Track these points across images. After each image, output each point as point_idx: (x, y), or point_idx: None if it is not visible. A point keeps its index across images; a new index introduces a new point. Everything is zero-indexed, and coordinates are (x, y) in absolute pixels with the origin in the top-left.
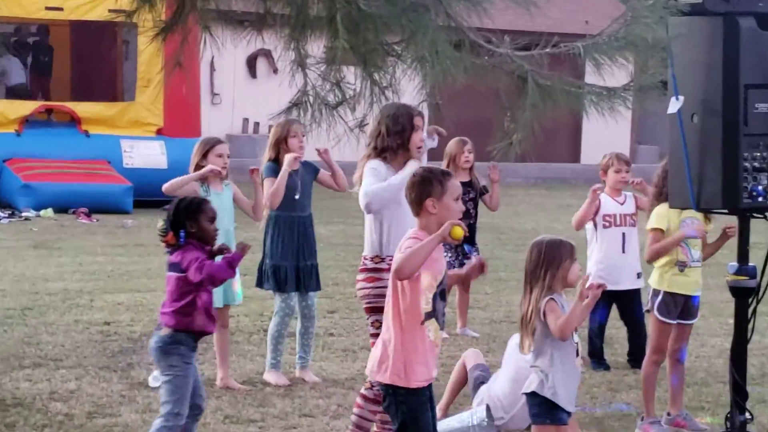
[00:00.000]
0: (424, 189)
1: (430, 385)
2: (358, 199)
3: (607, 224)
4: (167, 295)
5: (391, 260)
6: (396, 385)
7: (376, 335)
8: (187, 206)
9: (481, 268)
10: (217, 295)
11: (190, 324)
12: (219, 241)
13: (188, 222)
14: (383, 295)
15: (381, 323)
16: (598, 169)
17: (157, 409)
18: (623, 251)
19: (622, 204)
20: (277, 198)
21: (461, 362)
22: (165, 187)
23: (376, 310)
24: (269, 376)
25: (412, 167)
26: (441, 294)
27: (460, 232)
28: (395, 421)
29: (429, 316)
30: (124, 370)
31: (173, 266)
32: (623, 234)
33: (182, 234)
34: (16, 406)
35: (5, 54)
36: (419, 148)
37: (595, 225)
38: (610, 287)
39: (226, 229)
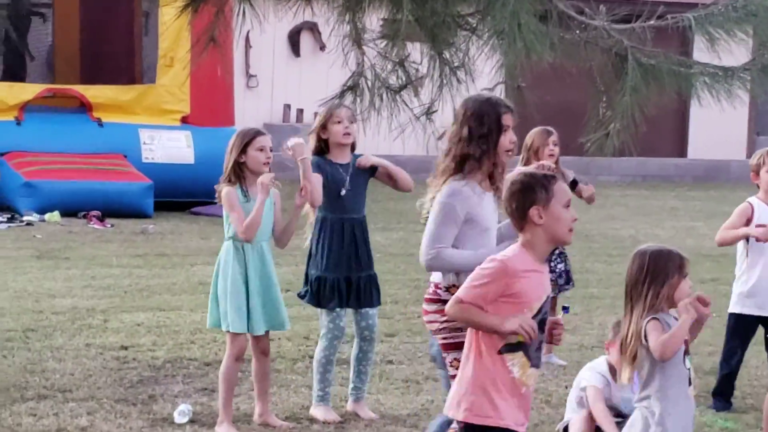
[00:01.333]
0: (526, 197)
1: None
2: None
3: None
4: None
5: None
6: (474, 424)
7: (455, 377)
8: None
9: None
10: (257, 319)
11: None
12: (253, 260)
13: None
14: (460, 329)
15: (456, 364)
16: (750, 171)
17: None
18: None
19: None
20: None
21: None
22: (247, 235)
23: (455, 347)
24: (316, 411)
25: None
26: (540, 324)
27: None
28: None
29: (513, 348)
30: (145, 403)
31: None
32: None
33: None
34: None
35: None
36: (508, 151)
37: (748, 238)
38: (760, 313)
39: (261, 243)
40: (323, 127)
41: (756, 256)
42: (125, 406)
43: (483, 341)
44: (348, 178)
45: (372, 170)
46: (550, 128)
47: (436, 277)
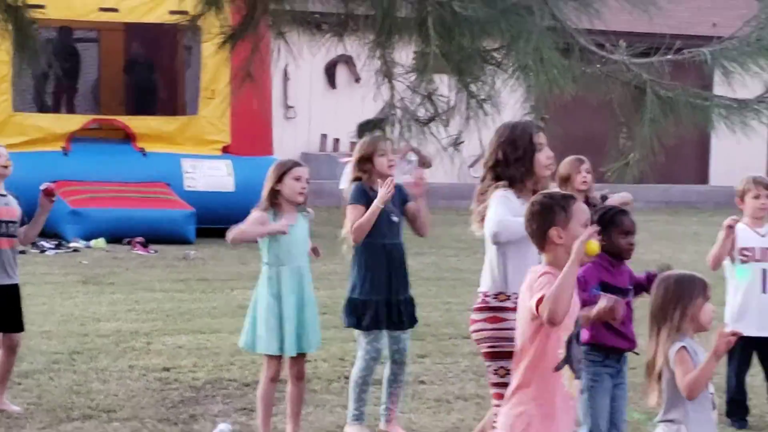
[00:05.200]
0: (546, 218)
1: None
2: (476, 228)
3: (745, 259)
4: None
5: (516, 298)
6: None
7: (499, 384)
8: (600, 218)
9: (611, 311)
10: (290, 341)
11: (596, 338)
12: (290, 279)
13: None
14: (508, 339)
15: (507, 371)
16: (735, 196)
17: None
18: (764, 291)
19: (763, 236)
20: (361, 233)
21: None
22: (230, 237)
23: (499, 356)
24: (351, 430)
25: None
26: (577, 337)
27: (595, 246)
28: None
29: (563, 362)
30: (186, 422)
31: None
32: (764, 271)
33: None
34: None
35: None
36: (548, 166)
37: (732, 260)
38: (749, 333)
39: (299, 266)
40: (367, 158)
41: (741, 276)
42: (167, 425)
43: (543, 362)
44: (393, 206)
45: (403, 203)
46: (582, 157)
47: (484, 286)
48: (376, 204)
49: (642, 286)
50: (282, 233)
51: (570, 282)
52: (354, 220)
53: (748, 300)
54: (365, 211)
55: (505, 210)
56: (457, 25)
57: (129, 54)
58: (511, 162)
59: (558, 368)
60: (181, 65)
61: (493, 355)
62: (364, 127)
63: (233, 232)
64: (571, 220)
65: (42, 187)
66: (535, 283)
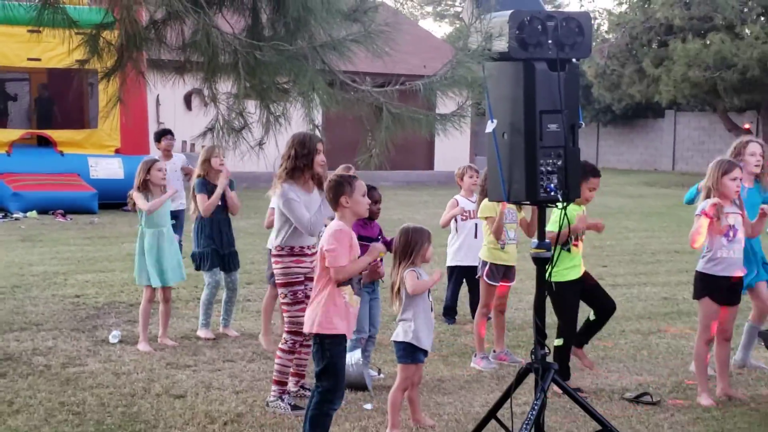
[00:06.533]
0: (338, 190)
1: (345, 340)
2: (271, 201)
3: (464, 218)
4: None
5: (289, 250)
6: (323, 333)
7: (286, 303)
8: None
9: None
10: (160, 277)
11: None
12: (161, 236)
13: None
14: (290, 274)
15: (291, 294)
16: (455, 177)
17: (115, 359)
18: (475, 237)
19: (474, 202)
20: (210, 210)
21: None
22: (147, 209)
23: (284, 285)
24: (201, 332)
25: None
26: None
27: (382, 253)
28: (320, 364)
29: (344, 283)
30: (90, 331)
31: None
32: (476, 225)
33: None
34: (6, 360)
35: None
36: (321, 166)
37: (456, 219)
38: (465, 263)
39: (168, 228)
40: (207, 160)
41: (461, 229)
42: (77, 333)
43: (332, 282)
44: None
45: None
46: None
47: (278, 241)
48: (219, 190)
49: (388, 245)
50: (174, 194)
51: (360, 267)
52: (202, 203)
53: (465, 242)
54: (208, 198)
55: (302, 210)
56: (258, 66)
57: (51, 88)
58: (299, 156)
59: (338, 285)
60: (86, 95)
61: (280, 284)
62: (158, 134)
63: (148, 206)
64: (355, 191)
65: None
66: (328, 241)
